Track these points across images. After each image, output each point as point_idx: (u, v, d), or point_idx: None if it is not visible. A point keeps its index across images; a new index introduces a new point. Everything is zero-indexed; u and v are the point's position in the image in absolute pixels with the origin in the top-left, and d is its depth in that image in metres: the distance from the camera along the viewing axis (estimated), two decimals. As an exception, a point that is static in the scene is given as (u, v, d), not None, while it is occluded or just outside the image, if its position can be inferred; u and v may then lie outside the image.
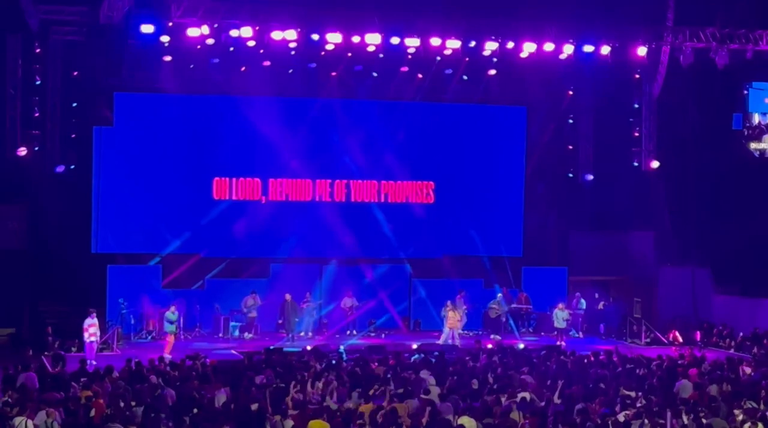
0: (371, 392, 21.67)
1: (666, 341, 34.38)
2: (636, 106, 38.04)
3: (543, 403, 21.16)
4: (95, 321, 29.19)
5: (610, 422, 19.16)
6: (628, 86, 37.82)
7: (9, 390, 21.70)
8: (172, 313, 31.05)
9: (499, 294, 35.59)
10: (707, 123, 37.08)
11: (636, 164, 38.13)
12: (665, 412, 19.94)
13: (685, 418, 19.80)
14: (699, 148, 37.36)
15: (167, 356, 27.71)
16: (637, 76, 37.55)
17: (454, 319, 32.95)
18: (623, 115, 38.28)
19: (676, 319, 36.06)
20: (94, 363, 26.63)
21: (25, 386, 21.85)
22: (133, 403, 20.59)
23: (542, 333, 35.52)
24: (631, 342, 34.51)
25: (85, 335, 29.01)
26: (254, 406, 20.02)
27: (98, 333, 29.35)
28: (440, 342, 32.37)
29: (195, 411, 19.74)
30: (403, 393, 21.70)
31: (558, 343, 32.77)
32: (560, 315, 34.34)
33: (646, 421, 19.21)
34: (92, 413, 19.73)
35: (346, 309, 34.85)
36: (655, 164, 37.66)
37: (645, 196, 37.98)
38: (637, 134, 38.11)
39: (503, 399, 21.17)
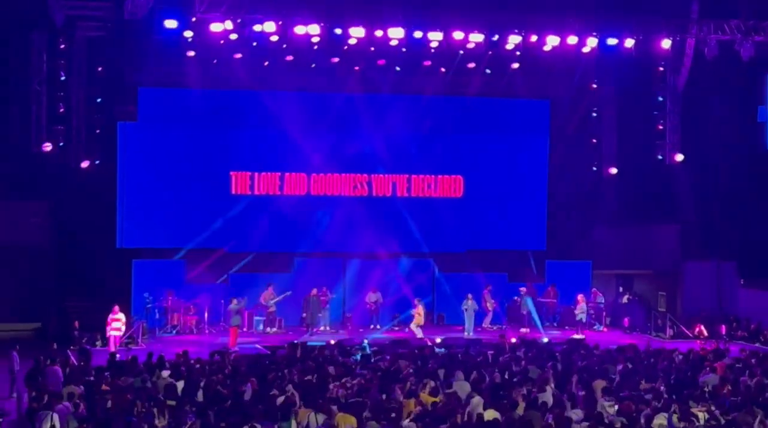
0: (396, 386, 21.61)
1: (691, 335, 34.26)
2: (660, 98, 37.82)
3: (566, 397, 21.12)
4: (117, 316, 29.38)
5: (636, 415, 19.14)
6: (652, 79, 37.63)
7: (34, 384, 21.85)
8: (235, 305, 31.09)
9: (522, 289, 35.59)
10: (732, 115, 36.88)
11: (660, 157, 37.92)
12: (692, 405, 19.88)
13: (711, 411, 19.71)
14: (724, 140, 37.14)
15: (235, 349, 28.12)
16: (662, 68, 37.36)
17: (420, 317, 33.05)
18: (647, 108, 38.09)
19: (701, 313, 35.91)
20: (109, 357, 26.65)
21: (48, 380, 21.99)
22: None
23: (566, 327, 35.46)
24: (655, 335, 34.42)
25: (107, 328, 29.28)
26: (280, 400, 20.07)
27: (122, 329, 29.51)
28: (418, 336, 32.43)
29: (222, 404, 19.76)
30: (430, 387, 21.68)
31: (573, 336, 32.79)
32: (581, 308, 34.35)
33: (675, 414, 19.13)
34: (116, 407, 19.78)
35: (371, 303, 34.89)
36: (679, 157, 37.46)
37: (669, 189, 37.81)
38: (661, 127, 37.89)
39: (527, 393, 21.15)
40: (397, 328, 34.60)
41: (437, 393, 20.97)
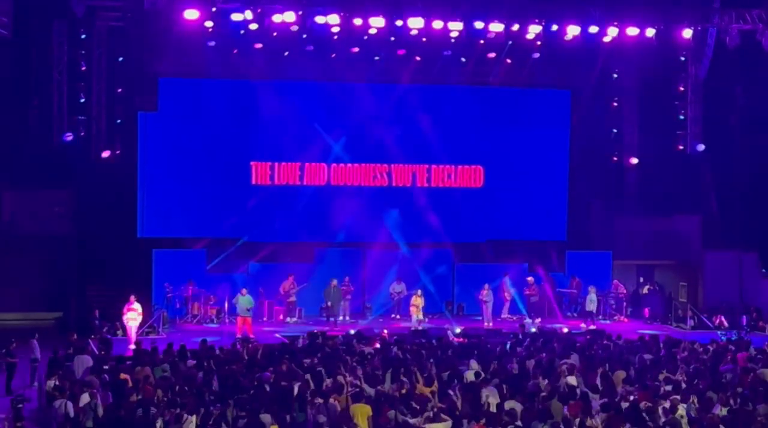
0: (413, 376, 21.60)
1: (712, 326, 34.13)
2: (681, 88, 37.65)
3: (586, 388, 21.10)
4: (134, 306, 29.46)
5: (657, 406, 19.11)
6: (674, 69, 37.45)
7: (56, 373, 21.96)
8: (242, 296, 31.15)
9: (530, 279, 35.49)
10: (754, 105, 36.69)
11: (681, 147, 37.77)
12: (712, 396, 19.82)
13: (731, 402, 19.65)
14: (745, 130, 37.00)
15: (251, 337, 28.31)
16: (683, 58, 37.19)
17: (416, 308, 33.02)
18: (668, 98, 37.93)
19: (722, 304, 35.74)
20: (132, 347, 26.72)
21: (68, 369, 22.11)
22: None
23: (588, 318, 35.30)
24: (676, 326, 34.31)
25: (123, 318, 29.44)
26: (297, 389, 20.10)
27: (137, 318, 29.57)
28: (411, 326, 32.24)
29: (242, 393, 19.82)
30: (447, 376, 21.70)
31: (581, 326, 32.72)
32: (590, 299, 34.19)
33: (693, 405, 19.08)
34: (138, 396, 19.86)
35: (395, 294, 34.84)
36: (701, 147, 37.30)
37: (691, 179, 37.68)
38: (682, 117, 37.73)
39: (546, 384, 21.14)
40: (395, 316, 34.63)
41: (432, 383, 20.96)
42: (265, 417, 18.07)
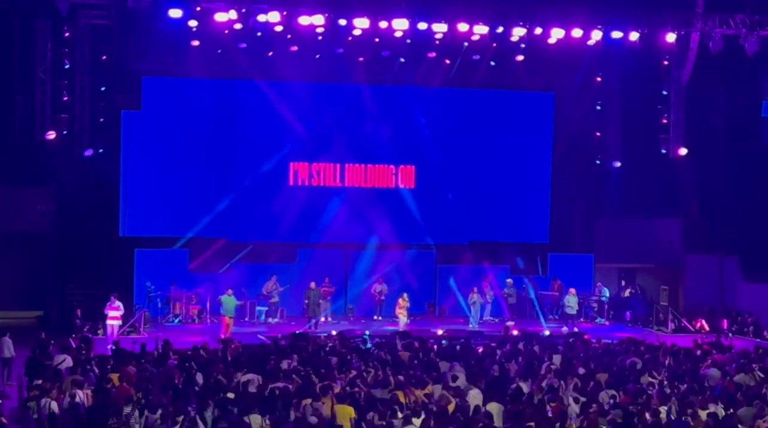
0: (398, 377, 21.60)
1: (693, 329, 34.24)
2: (664, 92, 37.76)
3: (567, 390, 21.14)
4: (116, 304, 29.36)
5: (636, 408, 19.16)
6: (657, 73, 37.57)
7: (38, 372, 21.87)
8: (228, 296, 31.08)
9: (508, 280, 35.63)
10: (736, 110, 36.85)
11: (664, 151, 37.88)
12: (693, 400, 19.89)
13: (711, 406, 19.71)
14: (728, 135, 37.15)
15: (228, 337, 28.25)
16: (666, 62, 37.31)
17: (404, 310, 32.98)
18: (651, 101, 38.05)
19: (703, 307, 35.91)
20: (112, 347, 26.58)
21: (52, 369, 22.03)
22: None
23: (569, 321, 35.40)
24: (657, 329, 34.39)
25: (107, 319, 29.37)
26: (280, 390, 20.07)
27: (119, 317, 29.46)
28: (400, 329, 32.16)
29: (222, 395, 19.78)
30: (430, 379, 21.70)
31: (563, 329, 32.77)
32: (571, 302, 34.18)
33: (673, 409, 19.15)
34: (116, 396, 19.79)
35: (376, 294, 34.86)
36: (683, 151, 37.43)
37: (673, 183, 37.80)
38: (665, 121, 37.86)
39: (528, 386, 21.18)
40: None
41: (425, 385, 20.97)
42: (254, 418, 18.04)
